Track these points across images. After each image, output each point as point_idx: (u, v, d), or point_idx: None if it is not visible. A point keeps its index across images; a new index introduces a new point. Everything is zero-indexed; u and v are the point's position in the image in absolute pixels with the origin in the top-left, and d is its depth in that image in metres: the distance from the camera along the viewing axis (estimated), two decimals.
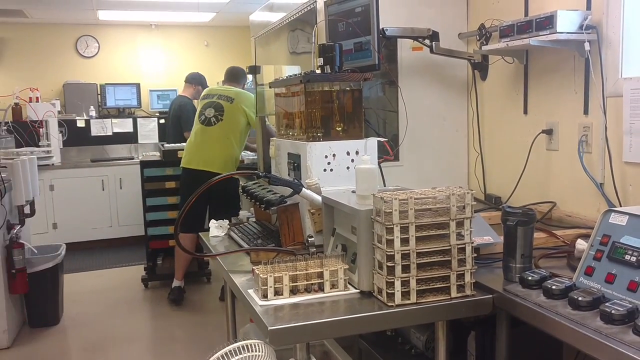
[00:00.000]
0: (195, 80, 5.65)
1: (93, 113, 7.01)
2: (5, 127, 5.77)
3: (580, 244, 1.87)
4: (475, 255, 1.71)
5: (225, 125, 4.42)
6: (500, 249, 1.82)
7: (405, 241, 1.60)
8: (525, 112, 2.77)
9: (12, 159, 4.07)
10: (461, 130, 3.22)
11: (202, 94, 4.78)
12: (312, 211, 2.12)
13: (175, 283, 4.62)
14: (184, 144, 4.94)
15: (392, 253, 1.59)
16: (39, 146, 6.22)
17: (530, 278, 1.64)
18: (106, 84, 7.20)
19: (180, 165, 4.54)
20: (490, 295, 1.68)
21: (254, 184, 2.48)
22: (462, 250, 1.66)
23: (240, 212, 2.91)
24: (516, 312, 1.61)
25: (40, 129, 6.25)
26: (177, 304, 4.56)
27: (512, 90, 2.85)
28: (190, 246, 4.35)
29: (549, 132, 2.60)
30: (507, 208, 1.76)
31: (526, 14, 2.65)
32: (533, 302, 1.54)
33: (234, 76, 4.80)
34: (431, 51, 2.89)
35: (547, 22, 2.27)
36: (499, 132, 3.00)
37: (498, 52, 2.74)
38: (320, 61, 2.27)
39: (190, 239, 4.22)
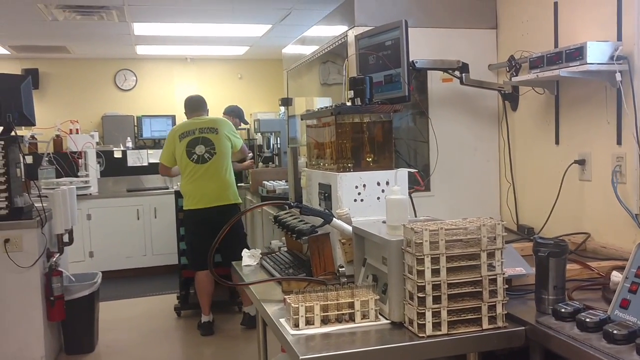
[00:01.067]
0: (234, 113, 5.76)
1: (130, 144, 7.21)
2: (47, 158, 5.96)
3: (616, 276, 1.84)
4: (507, 286, 1.70)
5: (220, 158, 4.45)
6: (532, 280, 1.81)
7: (436, 272, 1.61)
8: (557, 142, 2.76)
9: (53, 188, 4.21)
10: (492, 161, 3.22)
11: (177, 130, 4.55)
12: (342, 241, 2.14)
13: (204, 318, 4.59)
14: None
15: (423, 284, 1.60)
16: (77, 176, 6.40)
17: (563, 310, 1.62)
18: (143, 115, 7.41)
19: (186, 208, 4.52)
20: (523, 327, 1.67)
21: (285, 213, 2.52)
22: (493, 281, 1.65)
23: (272, 241, 2.94)
24: (550, 344, 1.59)
25: (79, 160, 6.43)
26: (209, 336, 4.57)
27: (544, 120, 2.85)
28: (208, 281, 4.48)
29: (581, 162, 2.59)
30: (538, 239, 1.75)
31: (556, 45, 2.66)
32: (567, 335, 1.53)
33: (200, 105, 4.70)
34: (461, 82, 2.91)
35: (577, 53, 2.28)
36: (530, 163, 2.99)
37: (528, 83, 2.75)
38: (351, 94, 2.32)
39: (208, 274, 4.32)
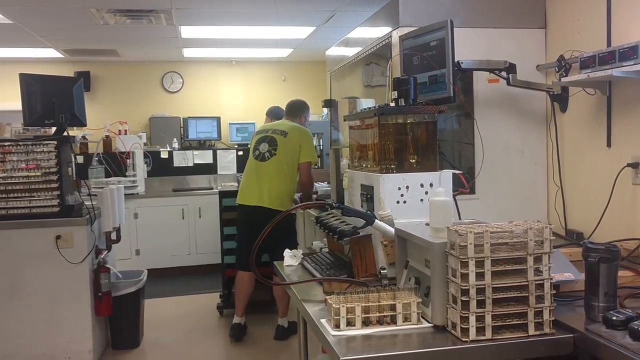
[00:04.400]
0: (276, 115, 5.80)
1: (176, 145, 7.36)
2: (97, 158, 6.15)
3: None
4: (555, 292, 1.65)
5: (280, 160, 4.33)
6: (581, 286, 1.75)
7: (480, 275, 1.58)
8: (609, 144, 2.67)
9: (102, 188, 4.34)
10: (540, 163, 3.14)
11: (256, 129, 4.76)
12: (384, 243, 2.13)
13: (236, 319, 4.51)
14: None
15: (466, 287, 1.57)
16: (125, 176, 6.57)
17: (614, 318, 1.56)
18: (189, 117, 7.55)
19: (237, 202, 4.50)
20: (571, 335, 1.61)
21: (327, 214, 2.52)
22: (540, 286, 1.61)
23: (314, 242, 2.95)
24: (599, 353, 1.53)
25: (128, 160, 6.61)
26: (237, 341, 4.48)
27: (594, 122, 2.76)
28: (249, 282, 4.43)
29: (634, 165, 2.49)
30: (588, 244, 1.69)
31: (609, 45, 2.57)
32: (618, 344, 1.47)
33: (291, 110, 4.69)
34: (508, 83, 2.85)
35: (632, 53, 2.20)
36: (580, 165, 2.90)
37: (579, 83, 2.67)
38: (395, 94, 2.30)
39: (250, 276, 4.33)
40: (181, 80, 7.77)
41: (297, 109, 4.70)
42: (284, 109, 4.84)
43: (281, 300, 4.47)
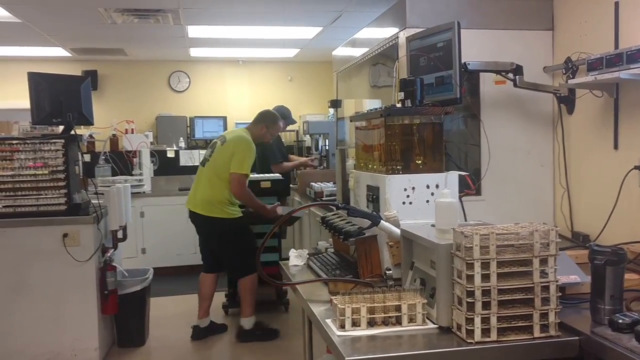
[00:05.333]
0: (279, 114, 5.79)
1: (182, 144, 7.38)
2: (104, 157, 6.17)
3: None
4: (561, 294, 1.65)
5: (211, 167, 4.27)
6: (587, 289, 1.75)
7: (486, 277, 1.58)
8: (616, 147, 2.66)
9: (109, 186, 4.35)
10: (546, 165, 3.13)
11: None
12: (390, 244, 2.13)
13: (196, 322, 4.54)
14: (267, 174, 5.08)
15: (472, 289, 1.57)
16: (132, 175, 6.59)
17: (620, 321, 1.55)
18: (195, 116, 7.58)
19: None
20: (577, 337, 1.61)
21: (333, 215, 2.53)
22: (545, 288, 1.61)
23: (319, 242, 2.95)
24: (605, 356, 1.53)
25: (134, 159, 6.62)
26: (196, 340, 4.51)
27: (601, 124, 2.75)
28: (210, 284, 4.51)
29: None
30: (594, 246, 1.69)
31: (616, 47, 2.57)
32: (624, 347, 1.47)
33: (256, 117, 4.56)
34: (515, 85, 2.85)
35: (639, 55, 2.19)
36: (587, 168, 2.89)
37: (586, 85, 2.67)
38: (401, 95, 2.30)
39: (211, 278, 4.48)
40: (188, 80, 7.80)
41: (260, 117, 4.53)
42: None
43: (245, 296, 4.42)
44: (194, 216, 4.38)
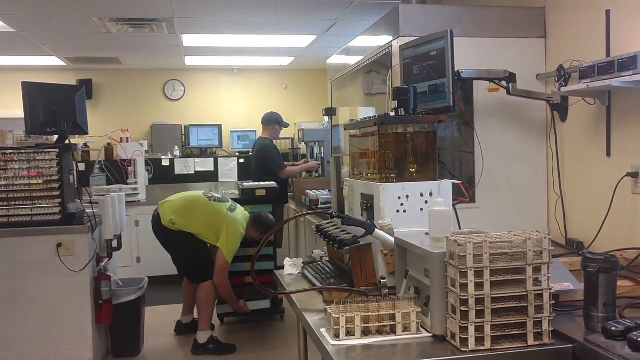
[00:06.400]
0: (271, 121, 5.81)
1: (177, 153, 7.38)
2: (98, 166, 6.16)
3: None
4: (554, 302, 1.66)
5: (212, 212, 4.39)
6: (581, 296, 1.75)
7: (479, 286, 1.58)
8: (609, 154, 2.67)
9: (103, 195, 4.34)
10: (540, 173, 3.15)
11: None
12: (384, 252, 2.13)
13: (180, 318, 4.88)
14: (262, 183, 5.08)
15: (466, 297, 1.57)
16: (127, 184, 6.57)
17: (614, 328, 1.56)
18: (190, 125, 7.58)
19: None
20: (571, 345, 1.62)
21: (327, 223, 2.53)
22: (539, 296, 1.61)
23: (314, 250, 2.95)
24: None
25: (129, 168, 6.61)
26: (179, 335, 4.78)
27: (594, 131, 2.76)
28: (190, 288, 4.69)
29: (634, 175, 2.49)
30: (587, 254, 1.69)
31: (608, 55, 2.58)
32: (617, 355, 1.47)
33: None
34: (508, 93, 2.87)
35: (630, 63, 2.22)
36: (580, 175, 2.91)
37: (578, 93, 2.69)
38: (395, 104, 2.31)
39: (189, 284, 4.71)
40: (183, 88, 7.80)
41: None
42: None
43: (201, 309, 4.42)
44: (156, 223, 4.47)
